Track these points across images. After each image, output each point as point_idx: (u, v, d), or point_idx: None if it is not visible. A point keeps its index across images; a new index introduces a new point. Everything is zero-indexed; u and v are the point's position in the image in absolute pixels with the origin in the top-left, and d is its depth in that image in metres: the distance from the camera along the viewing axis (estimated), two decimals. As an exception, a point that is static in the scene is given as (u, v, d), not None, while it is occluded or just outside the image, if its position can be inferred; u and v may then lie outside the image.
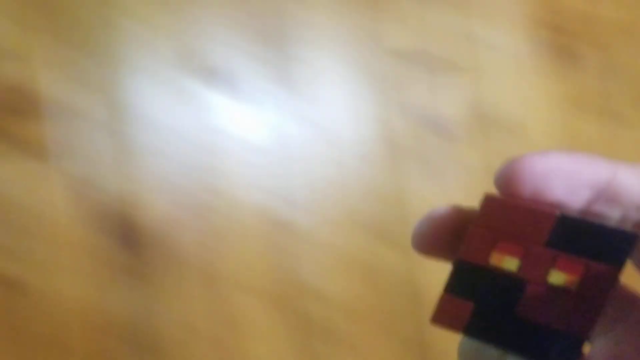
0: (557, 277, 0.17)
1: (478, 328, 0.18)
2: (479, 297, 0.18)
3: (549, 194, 0.19)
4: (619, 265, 0.17)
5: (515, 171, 0.19)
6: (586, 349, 0.21)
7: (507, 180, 0.19)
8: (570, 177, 0.19)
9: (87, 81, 0.79)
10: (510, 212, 0.18)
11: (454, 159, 0.76)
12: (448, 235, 0.19)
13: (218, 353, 0.74)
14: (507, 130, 0.76)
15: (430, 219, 0.19)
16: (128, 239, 0.76)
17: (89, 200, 0.76)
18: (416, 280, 0.72)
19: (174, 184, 0.77)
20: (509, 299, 0.18)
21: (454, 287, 0.18)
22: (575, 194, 0.19)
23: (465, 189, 0.76)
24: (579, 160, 0.19)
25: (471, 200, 0.75)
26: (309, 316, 0.72)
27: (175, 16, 0.80)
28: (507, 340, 0.18)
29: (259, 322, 0.73)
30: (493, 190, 0.74)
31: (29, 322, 0.72)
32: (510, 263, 0.18)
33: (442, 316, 0.18)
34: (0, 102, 0.74)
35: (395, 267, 0.74)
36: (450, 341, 0.70)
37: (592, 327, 0.17)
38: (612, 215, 0.19)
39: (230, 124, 0.76)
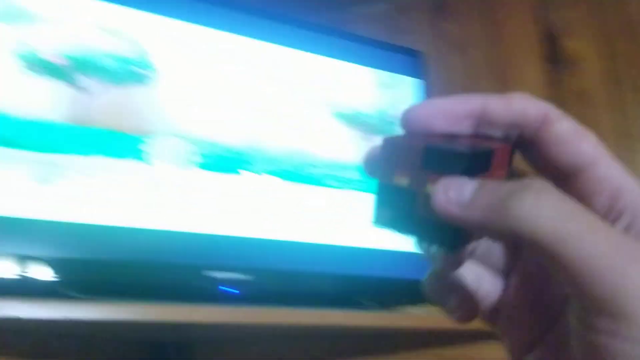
0: (430, 189, 0.24)
1: (398, 226, 0.25)
2: (394, 205, 0.25)
3: (435, 129, 0.25)
4: (465, 175, 0.23)
5: (404, 117, 0.25)
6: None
7: (402, 124, 0.25)
8: (447, 114, 0.25)
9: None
10: (398, 147, 0.25)
11: None
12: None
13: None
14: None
15: (370, 149, 0.26)
16: None
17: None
18: None
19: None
20: (409, 205, 0.24)
21: (378, 199, 0.25)
22: (457, 124, 0.25)
23: None
24: (454, 100, 0.25)
25: None
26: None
27: None
28: (417, 232, 0.25)
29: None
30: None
31: None
32: (404, 181, 0.25)
33: (377, 221, 0.25)
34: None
35: None
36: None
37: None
38: (497, 134, 0.25)
39: None
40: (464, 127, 0.25)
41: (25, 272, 0.70)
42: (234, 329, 0.81)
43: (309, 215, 0.87)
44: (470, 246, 0.28)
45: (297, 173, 0.88)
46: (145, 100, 0.81)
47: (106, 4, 0.82)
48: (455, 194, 0.23)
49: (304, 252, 0.85)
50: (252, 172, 0.85)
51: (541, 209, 0.21)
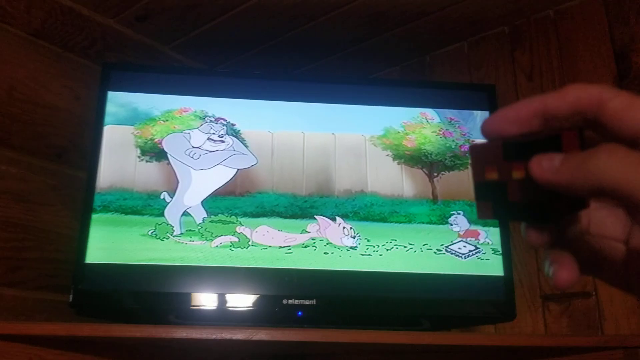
0: (515, 174, 0.30)
1: (498, 214, 0.31)
2: (490, 197, 0.31)
3: (508, 132, 0.30)
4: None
5: (482, 128, 0.31)
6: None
7: (482, 133, 0.31)
8: (515, 119, 0.30)
9: None
10: (482, 149, 0.31)
11: None
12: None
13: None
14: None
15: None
16: None
17: None
18: None
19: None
20: (502, 194, 0.30)
21: (477, 196, 0.31)
22: (526, 125, 0.30)
23: None
24: (517, 106, 0.30)
25: None
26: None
27: None
28: (512, 216, 0.31)
29: None
30: None
31: None
32: (493, 174, 0.30)
33: (481, 214, 0.31)
34: None
35: None
36: None
37: (541, 196, 0.29)
38: (563, 125, 0.30)
39: None
40: (534, 127, 0.30)
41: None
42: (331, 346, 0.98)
43: (377, 248, 1.01)
44: (583, 223, 0.32)
45: (365, 213, 1.03)
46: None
47: (198, 97, 1.06)
48: (547, 163, 0.28)
49: (380, 280, 0.99)
50: (326, 216, 1.02)
51: (614, 161, 0.26)
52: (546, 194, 0.29)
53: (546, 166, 0.28)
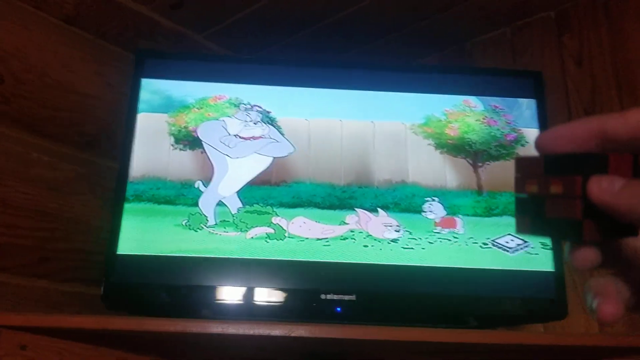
0: (554, 189, 0.29)
1: (536, 229, 0.30)
2: (529, 212, 0.30)
3: (563, 151, 0.29)
4: (582, 174, 0.28)
5: (536, 144, 0.31)
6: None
7: (535, 149, 0.31)
8: (570, 137, 0.29)
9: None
10: (527, 162, 0.31)
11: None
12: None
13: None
14: None
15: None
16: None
17: None
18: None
19: None
20: (541, 208, 0.29)
21: (518, 209, 0.31)
22: (582, 145, 0.29)
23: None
24: (575, 124, 0.29)
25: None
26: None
27: None
28: (549, 232, 0.30)
29: None
30: None
31: None
32: (533, 189, 0.30)
33: (519, 228, 0.31)
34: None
35: None
36: None
37: (579, 214, 0.28)
38: (621, 149, 0.28)
39: None
40: (590, 148, 0.29)
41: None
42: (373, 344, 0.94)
43: (420, 241, 0.96)
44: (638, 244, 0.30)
45: (406, 204, 0.98)
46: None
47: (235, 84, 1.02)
48: (607, 185, 0.27)
49: (423, 275, 0.94)
50: (365, 207, 0.98)
51: None
52: (587, 213, 0.28)
53: (605, 187, 0.27)
